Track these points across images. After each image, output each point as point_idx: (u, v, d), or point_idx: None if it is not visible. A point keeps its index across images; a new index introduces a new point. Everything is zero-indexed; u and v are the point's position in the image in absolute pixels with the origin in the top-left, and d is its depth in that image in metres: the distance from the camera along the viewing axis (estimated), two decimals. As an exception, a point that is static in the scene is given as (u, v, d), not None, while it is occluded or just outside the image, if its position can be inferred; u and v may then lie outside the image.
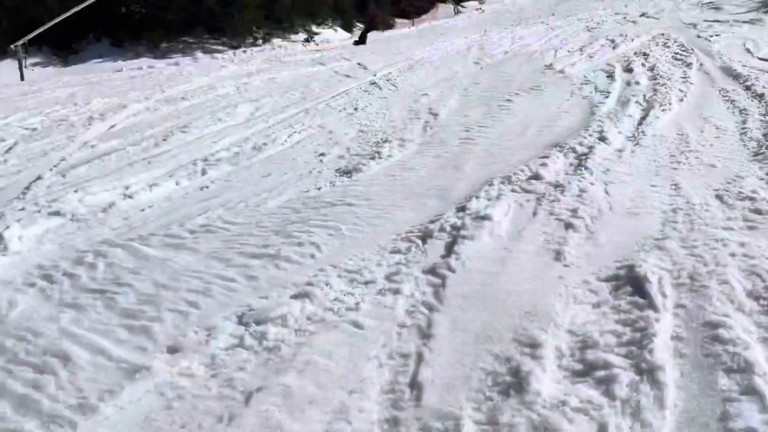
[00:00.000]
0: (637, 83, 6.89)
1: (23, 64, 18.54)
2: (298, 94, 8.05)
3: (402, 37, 20.68)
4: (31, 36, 19.49)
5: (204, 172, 4.76)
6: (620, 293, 2.50)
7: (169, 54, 21.94)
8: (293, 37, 25.24)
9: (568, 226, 3.18)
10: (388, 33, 27.00)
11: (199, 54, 22.06)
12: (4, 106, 8.25)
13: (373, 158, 4.83)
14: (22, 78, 17.48)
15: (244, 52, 22.40)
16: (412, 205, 3.72)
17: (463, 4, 31.14)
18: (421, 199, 3.83)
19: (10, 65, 18.52)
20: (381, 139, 5.46)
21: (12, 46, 18.93)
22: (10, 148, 5.68)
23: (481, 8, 29.69)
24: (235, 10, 22.79)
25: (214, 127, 6.35)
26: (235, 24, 23.08)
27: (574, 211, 3.35)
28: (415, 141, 5.32)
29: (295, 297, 2.62)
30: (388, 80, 8.63)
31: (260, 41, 24.07)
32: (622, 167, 4.17)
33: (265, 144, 5.54)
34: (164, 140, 5.80)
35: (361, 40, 19.12)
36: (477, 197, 3.63)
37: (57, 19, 19.98)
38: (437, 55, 11.33)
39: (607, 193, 3.66)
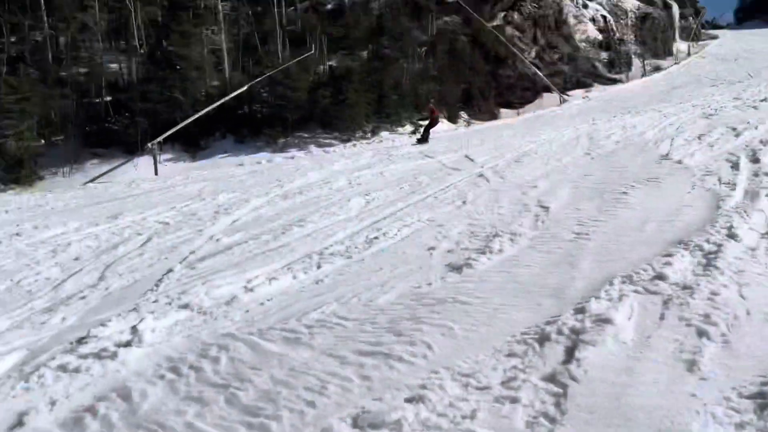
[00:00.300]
0: (767, 174, 6.47)
1: (158, 160, 20.61)
2: (407, 187, 8.28)
3: (507, 127, 20.90)
4: (165, 135, 21.69)
5: (319, 266, 4.93)
6: (767, 414, 2.25)
7: (286, 148, 23.53)
8: (400, 129, 26.30)
9: (701, 333, 2.95)
10: (492, 123, 27.44)
11: (313, 147, 23.48)
12: (141, 201, 9.11)
13: (483, 253, 4.80)
14: (156, 173, 19.36)
15: (354, 145, 23.57)
16: (527, 304, 3.62)
17: (568, 92, 31.21)
18: (535, 297, 3.73)
19: (146, 161, 20.59)
20: (491, 233, 5.43)
21: (149, 144, 21.17)
22: (147, 242, 6.20)
23: (587, 96, 29.58)
24: (346, 107, 24.24)
25: (328, 220, 6.62)
26: (346, 119, 24.48)
27: (707, 316, 3.11)
28: (526, 235, 5.24)
29: (409, 400, 2.59)
30: (495, 172, 8.69)
31: (369, 134, 25.28)
32: (758, 268, 3.85)
33: (376, 238, 5.68)
34: (283, 234, 6.11)
35: (424, 138, 18.11)
36: (597, 298, 3.47)
37: (188, 120, 22.17)
38: (545, 145, 11.31)
39: (742, 296, 3.38)
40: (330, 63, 28.85)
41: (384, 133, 25.44)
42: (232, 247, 5.78)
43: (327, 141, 24.33)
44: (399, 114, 26.26)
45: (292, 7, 31.78)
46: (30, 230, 7.26)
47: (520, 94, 30.61)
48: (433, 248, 5.18)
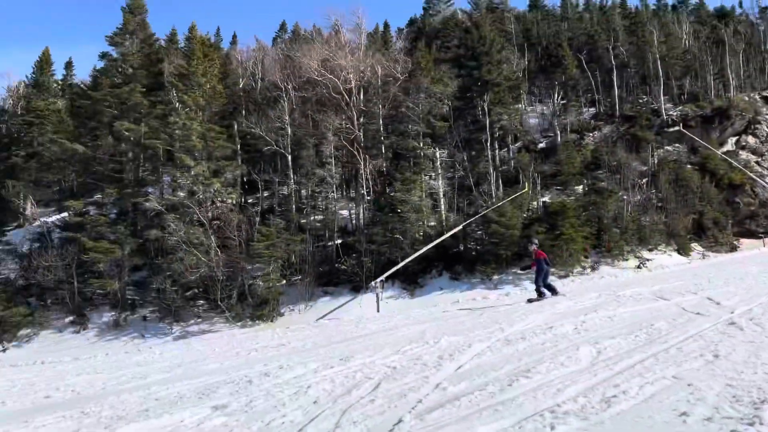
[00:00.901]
0: None
1: (380, 298, 21.86)
2: (643, 335, 7.56)
3: (753, 260, 18.51)
4: (387, 274, 23.06)
5: (553, 427, 4.59)
6: None
7: (499, 285, 23.44)
8: (623, 264, 24.80)
9: None
10: (733, 255, 24.58)
11: (527, 284, 23.08)
12: (369, 342, 9.54)
13: (752, 424, 4.08)
14: (378, 310, 20.45)
15: (572, 281, 22.66)
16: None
17: (827, 218, 27.11)
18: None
19: (369, 299, 21.94)
20: (758, 398, 4.63)
21: (373, 282, 22.66)
22: (376, 387, 6.39)
23: None
24: (562, 242, 23.69)
25: (557, 372, 6.24)
26: (563, 255, 23.81)
27: None
28: (808, 404, 4.37)
29: None
30: (750, 319, 7.57)
31: (588, 270, 24.18)
32: None
33: (614, 396, 5.17)
34: (509, 385, 5.87)
35: (540, 293, 14.70)
36: None
37: (408, 260, 23.39)
38: (809, 285, 9.71)
39: None
40: (543, 199, 28.93)
41: (604, 268, 24.18)
42: (459, 398, 5.67)
43: (543, 277, 23.78)
44: (621, 248, 24.95)
45: (505, 149, 33.05)
46: (276, 370, 7.98)
47: (765, 222, 27.32)
48: (685, 413, 4.55)
